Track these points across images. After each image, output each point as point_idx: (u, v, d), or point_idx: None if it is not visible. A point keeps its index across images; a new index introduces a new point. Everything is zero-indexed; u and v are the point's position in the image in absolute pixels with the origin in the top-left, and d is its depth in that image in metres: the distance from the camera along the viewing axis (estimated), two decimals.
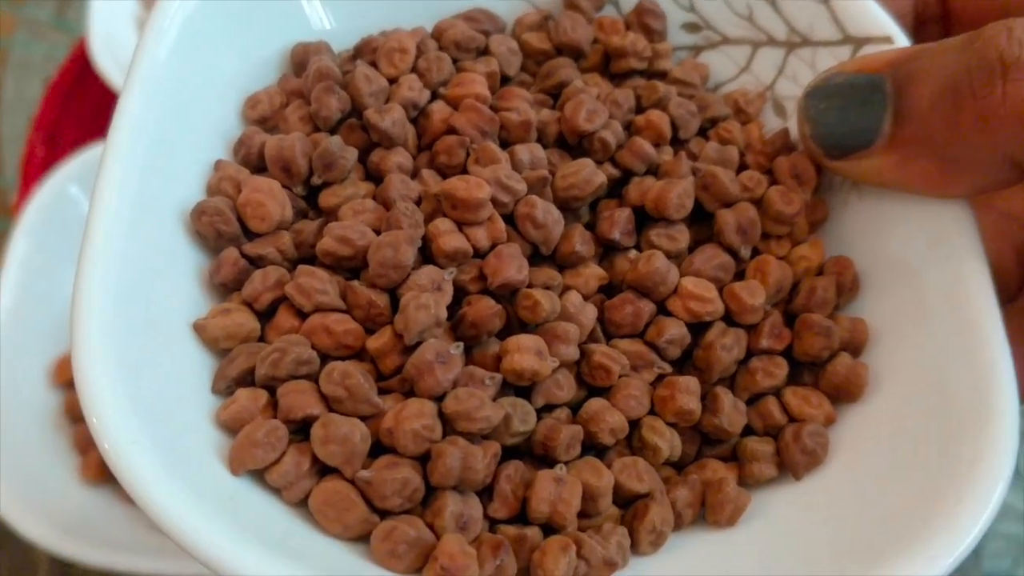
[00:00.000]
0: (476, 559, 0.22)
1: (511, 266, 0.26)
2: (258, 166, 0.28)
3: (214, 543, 0.20)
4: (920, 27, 0.33)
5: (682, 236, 0.28)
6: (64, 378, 0.43)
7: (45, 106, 0.59)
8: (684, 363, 0.28)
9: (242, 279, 0.26)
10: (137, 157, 0.25)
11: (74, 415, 0.42)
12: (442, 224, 0.26)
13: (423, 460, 0.23)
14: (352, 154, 0.27)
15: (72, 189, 0.45)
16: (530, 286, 0.26)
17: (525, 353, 0.25)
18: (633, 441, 0.26)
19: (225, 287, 0.26)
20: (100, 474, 0.41)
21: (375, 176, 0.28)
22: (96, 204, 0.23)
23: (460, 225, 0.26)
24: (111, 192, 0.24)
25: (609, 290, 0.28)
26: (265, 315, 0.26)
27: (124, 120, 0.25)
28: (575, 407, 0.26)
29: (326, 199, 0.27)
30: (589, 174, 0.28)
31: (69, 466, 0.41)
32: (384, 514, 0.23)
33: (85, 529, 0.38)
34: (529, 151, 0.28)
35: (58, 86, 0.60)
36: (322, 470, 0.23)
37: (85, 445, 0.42)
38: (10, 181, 0.60)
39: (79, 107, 0.59)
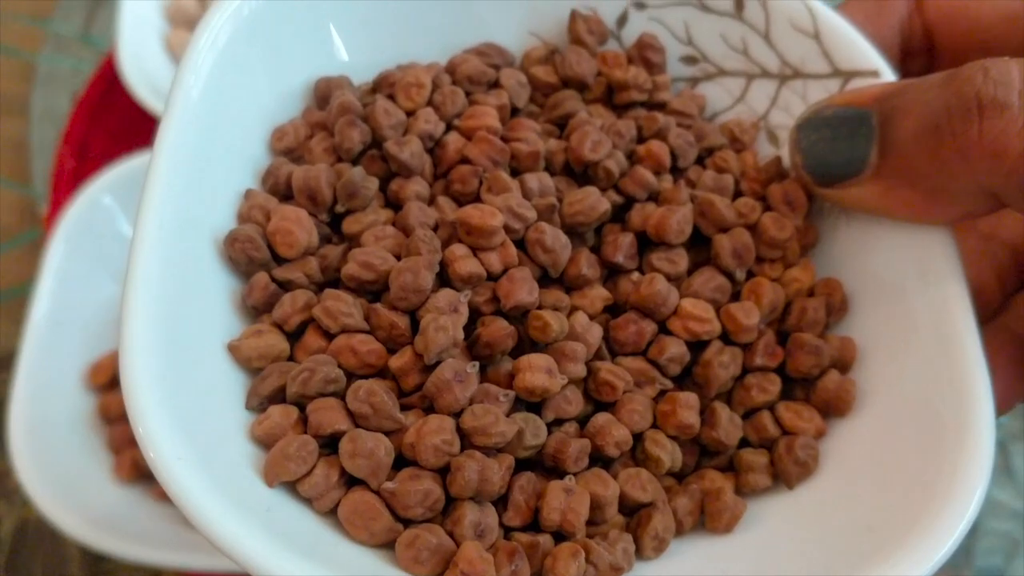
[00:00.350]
0: (493, 564, 0.23)
1: (522, 289, 0.27)
2: (285, 194, 0.29)
3: (253, 548, 0.22)
4: (906, 59, 0.35)
5: (681, 260, 0.30)
6: (99, 380, 0.44)
7: (74, 120, 0.60)
8: (684, 379, 0.30)
9: (272, 302, 0.28)
10: (174, 187, 0.26)
11: (108, 416, 0.44)
12: (458, 249, 0.28)
13: (443, 472, 0.25)
14: (373, 183, 0.29)
15: (106, 199, 0.47)
16: (540, 307, 0.28)
17: (536, 371, 0.26)
18: (637, 453, 0.28)
19: (256, 309, 0.28)
20: (133, 473, 0.43)
21: (394, 203, 0.30)
22: (139, 232, 0.25)
23: (475, 250, 0.28)
24: (151, 219, 0.25)
25: (613, 310, 0.30)
26: (294, 336, 0.27)
27: (162, 151, 0.26)
28: (582, 421, 0.28)
29: (349, 226, 0.29)
30: (594, 201, 0.30)
31: (103, 465, 0.43)
32: (407, 523, 0.24)
33: (118, 525, 0.40)
34: (538, 179, 0.30)
35: (86, 100, 0.61)
36: (350, 481, 0.25)
37: (119, 445, 0.43)
38: (39, 192, 0.62)
39: (107, 120, 0.61)
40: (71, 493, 0.40)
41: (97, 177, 0.47)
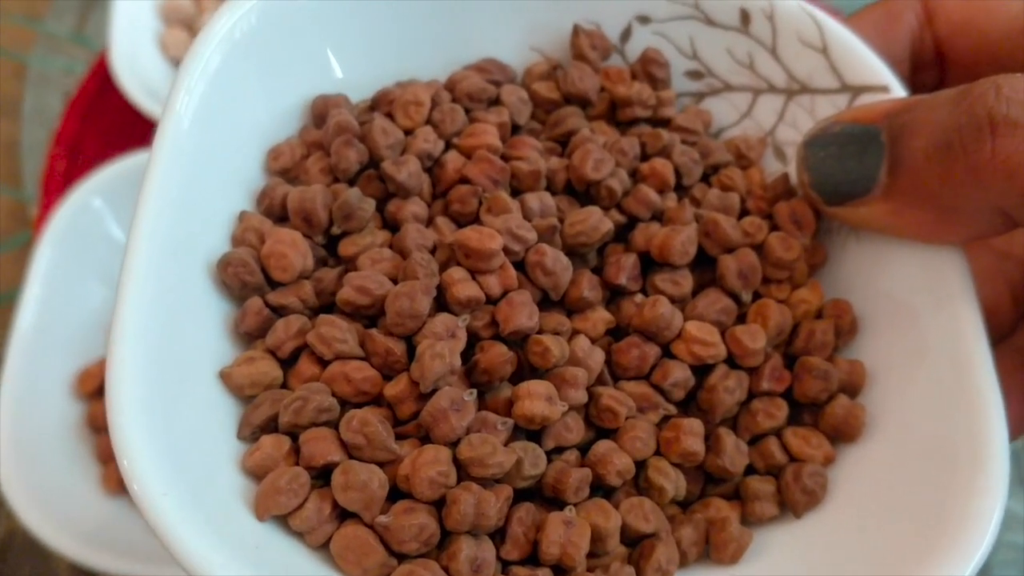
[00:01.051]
0: None
1: (522, 313, 0.27)
2: (280, 216, 0.29)
3: None
4: (916, 72, 0.34)
5: (686, 281, 0.29)
6: (87, 389, 0.43)
7: (66, 121, 0.60)
8: (688, 405, 0.29)
9: (266, 328, 0.27)
10: (166, 210, 0.26)
11: (96, 425, 0.43)
12: (456, 273, 0.27)
13: (438, 505, 0.24)
14: (370, 204, 0.29)
15: (96, 202, 0.46)
16: (540, 332, 0.27)
17: (536, 399, 0.26)
18: (640, 482, 0.27)
19: (250, 335, 0.27)
20: (122, 484, 0.41)
21: (392, 225, 0.29)
22: (129, 255, 0.25)
23: (473, 273, 0.27)
24: (142, 244, 0.25)
25: (616, 333, 0.29)
26: (287, 363, 0.27)
27: (154, 174, 0.26)
28: (584, 449, 0.27)
29: (346, 248, 0.28)
30: (596, 221, 0.29)
31: (91, 476, 0.42)
32: (402, 557, 0.24)
33: (106, 538, 0.39)
34: (539, 199, 0.29)
35: (78, 101, 0.61)
36: (342, 515, 0.24)
37: (107, 455, 0.42)
38: (30, 194, 0.61)
39: (99, 121, 0.60)
40: (58, 505, 0.39)
41: (87, 179, 0.46)
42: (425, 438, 0.25)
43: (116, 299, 0.24)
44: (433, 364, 0.25)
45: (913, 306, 0.29)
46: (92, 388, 0.43)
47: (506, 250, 0.28)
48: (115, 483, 0.42)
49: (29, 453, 0.40)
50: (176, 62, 0.56)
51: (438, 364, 0.25)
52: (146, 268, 0.25)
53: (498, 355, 0.26)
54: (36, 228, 0.46)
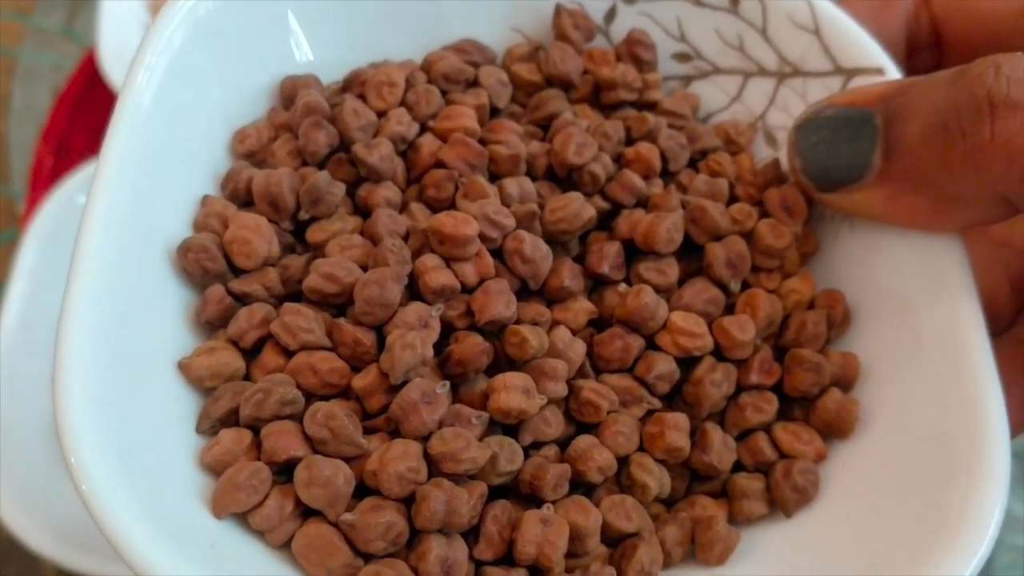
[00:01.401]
0: None
1: (499, 302, 0.25)
2: (246, 200, 0.27)
3: None
4: (912, 54, 0.33)
5: (671, 270, 0.28)
6: None
7: (54, 117, 0.58)
8: (673, 399, 0.28)
9: (228, 316, 0.26)
10: (123, 193, 0.25)
11: None
12: (429, 260, 0.26)
13: (408, 502, 0.23)
14: (340, 189, 0.27)
15: (80, 199, 0.45)
16: (518, 322, 0.26)
17: (512, 391, 0.24)
18: (622, 479, 0.26)
19: (211, 325, 0.26)
20: None
21: (363, 210, 0.28)
22: (81, 241, 0.23)
23: (448, 261, 0.26)
24: (96, 229, 0.24)
25: (598, 324, 0.28)
26: (251, 353, 0.25)
27: (111, 156, 0.25)
28: (563, 444, 0.26)
29: (314, 234, 0.27)
30: (578, 208, 0.28)
31: None
32: (368, 557, 0.22)
33: (89, 539, 0.38)
34: (518, 185, 0.28)
35: (67, 96, 0.60)
36: (305, 512, 0.23)
37: None
38: (18, 191, 0.60)
39: (88, 117, 0.59)
40: (40, 506, 0.38)
41: (71, 176, 0.45)
42: (395, 432, 0.24)
43: (65, 288, 0.23)
44: (404, 354, 0.24)
45: (909, 296, 0.27)
46: None
47: (483, 237, 0.26)
48: None
49: (11, 452, 0.38)
50: None
51: (409, 355, 0.24)
52: (99, 254, 0.23)
53: (473, 345, 0.25)
54: (23, 225, 0.45)
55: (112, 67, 0.52)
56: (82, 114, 0.59)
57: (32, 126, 0.63)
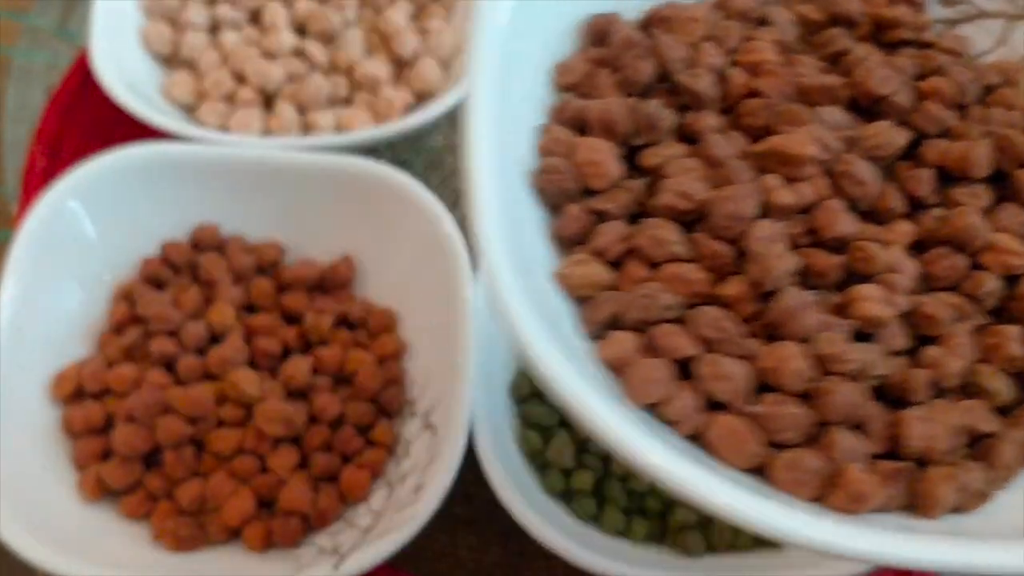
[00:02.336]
0: (877, 488, 0.22)
1: (843, 220, 0.26)
2: (579, 129, 0.28)
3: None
4: None
5: (985, 194, 0.29)
6: (63, 392, 0.41)
7: (47, 117, 0.57)
8: (1000, 315, 0.28)
9: (585, 232, 0.27)
10: (490, 125, 0.26)
11: (73, 430, 0.40)
12: (772, 180, 0.27)
13: (802, 398, 0.24)
14: (669, 116, 0.28)
15: (71, 204, 0.42)
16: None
17: (873, 301, 0.25)
18: (968, 388, 0.27)
19: (569, 240, 0.27)
20: (98, 491, 0.39)
21: (686, 137, 0.29)
22: (474, 163, 0.25)
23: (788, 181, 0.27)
24: (482, 153, 0.25)
25: (916, 247, 0.29)
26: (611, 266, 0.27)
27: (478, 83, 0.26)
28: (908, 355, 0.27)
29: (648, 159, 0.28)
30: (893, 134, 0.29)
31: (67, 482, 0.39)
32: (777, 447, 0.23)
33: (83, 546, 0.36)
34: (832, 113, 0.29)
35: (60, 97, 0.58)
36: (709, 406, 0.24)
37: (83, 461, 0.39)
38: (11, 191, 0.58)
39: (81, 118, 0.57)
40: (30, 512, 0.36)
41: (61, 179, 0.43)
42: (770, 337, 0.25)
43: (469, 199, 0.24)
44: (777, 264, 0.25)
45: None
46: (68, 392, 0.40)
47: (815, 159, 0.27)
48: (91, 489, 0.38)
49: (2, 458, 0.37)
50: (159, 57, 0.53)
51: (780, 264, 0.25)
52: (489, 176, 0.25)
53: (830, 259, 0.26)
54: (15, 226, 0.44)
55: (104, 67, 0.49)
56: (75, 115, 0.57)
57: (25, 125, 0.61)
